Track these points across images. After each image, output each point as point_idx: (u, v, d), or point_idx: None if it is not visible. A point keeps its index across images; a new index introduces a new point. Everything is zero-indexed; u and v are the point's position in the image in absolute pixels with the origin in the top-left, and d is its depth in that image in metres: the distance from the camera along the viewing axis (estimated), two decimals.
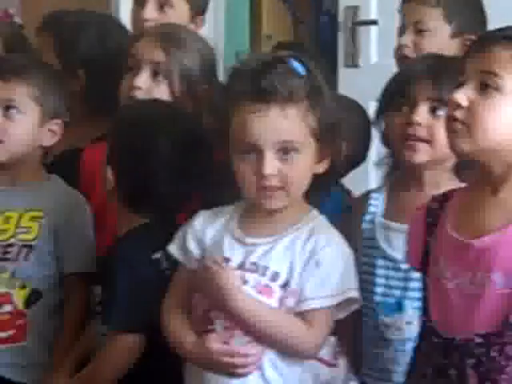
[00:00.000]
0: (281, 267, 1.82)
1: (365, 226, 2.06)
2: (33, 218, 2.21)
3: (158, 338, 1.93)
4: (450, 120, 1.61)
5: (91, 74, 2.49)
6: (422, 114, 1.91)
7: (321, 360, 1.88)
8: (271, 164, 1.77)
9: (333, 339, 1.90)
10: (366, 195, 2.12)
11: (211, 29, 3.41)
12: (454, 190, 1.72)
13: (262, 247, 1.84)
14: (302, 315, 1.82)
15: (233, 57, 2.88)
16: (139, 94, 2.23)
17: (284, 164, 1.78)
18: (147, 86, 2.25)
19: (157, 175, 2.02)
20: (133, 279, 1.99)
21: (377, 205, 2.07)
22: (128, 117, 2.08)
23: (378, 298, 2.02)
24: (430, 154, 1.95)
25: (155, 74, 2.27)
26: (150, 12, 2.61)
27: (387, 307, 2.02)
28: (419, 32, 2.43)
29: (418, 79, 1.94)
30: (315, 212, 1.88)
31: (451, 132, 1.61)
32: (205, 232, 1.91)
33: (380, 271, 2.02)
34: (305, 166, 1.82)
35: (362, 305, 1.96)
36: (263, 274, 1.83)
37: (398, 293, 1.97)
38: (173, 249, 1.93)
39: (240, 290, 1.74)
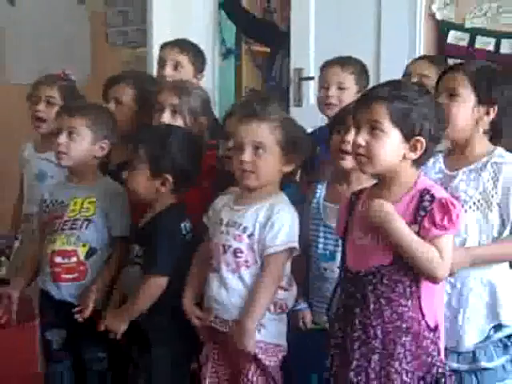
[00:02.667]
0: (248, 224, 2.25)
1: (313, 205, 2.46)
2: (90, 202, 2.64)
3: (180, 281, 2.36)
4: (356, 154, 1.98)
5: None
6: (351, 135, 2.17)
7: (279, 286, 2.27)
8: (248, 155, 2.22)
9: (289, 273, 2.29)
10: (315, 186, 2.50)
11: (209, 81, 3.84)
12: (365, 188, 2.10)
13: (240, 211, 2.27)
14: (266, 258, 2.22)
15: (223, 100, 3.48)
16: None
17: (256, 156, 2.21)
18: (169, 121, 2.72)
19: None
20: (170, 241, 2.40)
21: (321, 191, 2.47)
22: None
23: (320, 251, 2.41)
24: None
25: (174, 112, 2.74)
26: (168, 71, 3.17)
27: (325, 257, 2.41)
28: (340, 89, 2.88)
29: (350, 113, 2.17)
30: (282, 194, 2.30)
31: (358, 162, 2.00)
32: (218, 204, 2.35)
33: (321, 234, 2.41)
34: (271, 161, 2.22)
35: (310, 254, 2.41)
36: (237, 228, 2.25)
37: (332, 248, 2.36)
38: (205, 218, 2.37)
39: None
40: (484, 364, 2.16)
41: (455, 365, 2.15)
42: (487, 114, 2.21)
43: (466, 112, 2.20)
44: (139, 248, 2.46)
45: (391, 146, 1.94)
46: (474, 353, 2.17)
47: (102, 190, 2.66)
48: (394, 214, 1.91)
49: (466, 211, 2.15)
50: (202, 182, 2.60)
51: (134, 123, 2.90)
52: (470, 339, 2.17)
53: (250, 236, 2.22)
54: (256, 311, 2.18)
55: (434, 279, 1.94)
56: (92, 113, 2.68)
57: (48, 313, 2.70)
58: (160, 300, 2.38)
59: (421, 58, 3.04)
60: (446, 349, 2.06)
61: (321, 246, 2.42)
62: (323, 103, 2.91)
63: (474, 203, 2.18)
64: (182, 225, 2.44)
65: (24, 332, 2.83)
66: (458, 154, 2.27)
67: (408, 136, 1.93)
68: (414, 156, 1.95)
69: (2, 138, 4.96)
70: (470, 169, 2.22)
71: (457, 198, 2.10)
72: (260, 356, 2.22)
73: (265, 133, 2.23)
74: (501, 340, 2.18)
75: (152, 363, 2.40)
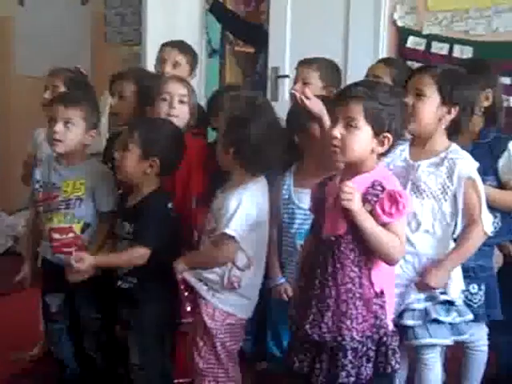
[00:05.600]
0: (214, 208, 2.40)
1: (283, 191, 2.58)
2: (80, 183, 2.69)
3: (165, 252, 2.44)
4: (332, 145, 2.04)
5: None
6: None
7: (235, 265, 2.37)
8: None
9: (250, 255, 2.35)
10: (282, 176, 2.60)
11: (197, 77, 3.84)
12: (334, 175, 2.17)
13: (218, 197, 2.43)
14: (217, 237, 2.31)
15: (208, 95, 3.45)
16: (174, 114, 2.75)
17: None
18: (178, 108, 2.76)
19: None
20: (160, 218, 2.50)
21: (290, 179, 2.59)
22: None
23: (294, 230, 2.54)
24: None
25: (181, 102, 2.79)
26: (168, 69, 3.23)
27: (301, 235, 2.49)
28: (305, 84, 2.92)
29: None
30: (250, 183, 2.35)
31: (333, 152, 2.05)
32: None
33: (297, 216, 2.54)
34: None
35: (286, 232, 2.52)
36: (211, 211, 2.42)
37: (306, 227, 2.38)
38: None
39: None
40: (435, 316, 2.28)
41: (411, 321, 2.29)
42: (449, 113, 2.31)
43: (431, 110, 2.30)
44: (130, 225, 2.53)
45: (363, 141, 2.02)
46: (425, 310, 2.29)
47: (89, 171, 2.71)
48: (362, 208, 1.98)
49: (423, 199, 2.29)
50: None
51: (135, 115, 2.93)
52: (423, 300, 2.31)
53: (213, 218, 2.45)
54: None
55: (392, 262, 2.05)
56: (86, 104, 2.71)
57: (48, 278, 2.79)
58: (149, 268, 2.48)
59: (378, 61, 3.13)
60: (404, 310, 2.26)
61: (296, 226, 2.54)
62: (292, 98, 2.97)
63: (432, 193, 2.30)
64: (169, 205, 2.56)
65: (32, 296, 2.94)
66: (421, 147, 2.36)
67: (378, 132, 2.02)
68: (381, 150, 2.05)
69: (14, 122, 5.13)
70: (430, 162, 2.32)
71: (417, 187, 2.28)
72: (205, 318, 2.37)
73: None
74: (444, 303, 2.32)
75: (141, 321, 2.50)
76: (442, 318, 2.30)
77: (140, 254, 2.47)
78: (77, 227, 2.70)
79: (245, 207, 2.31)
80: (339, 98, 2.06)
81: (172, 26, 4.13)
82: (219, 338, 2.40)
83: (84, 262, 2.46)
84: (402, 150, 2.38)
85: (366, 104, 1.99)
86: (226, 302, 2.39)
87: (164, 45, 3.36)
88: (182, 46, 3.32)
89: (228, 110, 2.41)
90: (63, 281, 2.63)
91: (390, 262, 2.05)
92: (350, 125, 2.00)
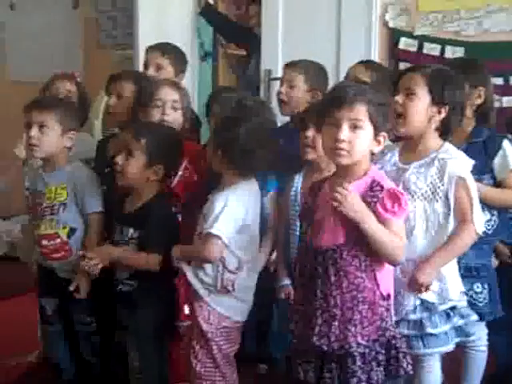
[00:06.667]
0: (204, 210, 2.39)
1: (291, 193, 2.55)
2: (62, 188, 2.69)
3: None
4: (338, 148, 2.02)
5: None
6: (310, 132, 2.29)
7: (226, 268, 2.38)
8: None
9: (240, 257, 2.37)
10: (293, 176, 2.57)
11: (189, 81, 3.96)
12: (326, 178, 2.19)
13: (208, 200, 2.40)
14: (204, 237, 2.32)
15: (201, 97, 3.59)
16: (168, 120, 2.75)
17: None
18: (171, 114, 2.77)
19: None
20: (166, 224, 2.49)
21: (298, 181, 2.55)
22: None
23: (298, 232, 2.37)
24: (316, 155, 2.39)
25: (173, 108, 2.78)
26: (151, 72, 3.22)
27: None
28: (290, 87, 2.98)
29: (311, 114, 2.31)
30: (239, 184, 2.37)
31: (337, 155, 2.03)
32: None
33: None
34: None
35: (293, 232, 2.48)
36: (202, 214, 2.40)
37: None
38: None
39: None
40: (429, 330, 2.27)
41: (406, 331, 2.25)
42: (439, 112, 2.30)
43: (421, 110, 2.29)
44: (134, 231, 2.52)
45: (367, 141, 2.04)
46: (421, 321, 2.27)
47: (71, 175, 2.71)
48: (363, 210, 1.98)
49: (414, 201, 2.26)
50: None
51: (131, 115, 2.93)
52: (418, 310, 2.28)
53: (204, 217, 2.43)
54: None
55: (395, 262, 2.05)
56: (60, 107, 2.71)
57: (43, 283, 2.83)
58: (150, 271, 2.48)
59: (358, 63, 3.06)
60: (400, 319, 2.21)
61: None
62: (278, 100, 3.07)
63: (422, 194, 2.28)
64: (174, 209, 2.60)
65: (31, 301, 2.97)
66: (412, 149, 2.35)
67: (377, 132, 2.04)
68: (377, 149, 2.06)
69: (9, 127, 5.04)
70: (421, 163, 2.30)
71: (407, 189, 2.25)
72: (200, 322, 2.38)
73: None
74: (444, 311, 2.29)
75: (140, 324, 2.50)
76: (437, 331, 2.29)
77: (155, 261, 2.47)
78: (63, 232, 2.70)
79: (230, 208, 2.32)
80: (340, 101, 2.04)
81: (164, 30, 4.13)
82: (215, 342, 2.40)
83: (101, 251, 2.49)
84: (392, 156, 2.39)
85: (369, 105, 2.01)
86: (220, 302, 2.40)
87: (148, 48, 3.36)
88: (164, 49, 3.30)
89: (217, 111, 2.43)
90: (56, 286, 2.69)
91: (393, 262, 2.05)
92: (355, 126, 2.01)
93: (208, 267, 2.39)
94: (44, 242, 2.70)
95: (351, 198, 1.98)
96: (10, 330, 3.50)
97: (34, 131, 2.64)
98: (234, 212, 2.34)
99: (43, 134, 2.66)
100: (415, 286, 2.23)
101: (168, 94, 2.80)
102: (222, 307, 2.40)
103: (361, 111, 2.00)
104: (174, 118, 2.79)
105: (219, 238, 2.31)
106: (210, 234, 2.32)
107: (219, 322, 2.40)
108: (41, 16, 5.25)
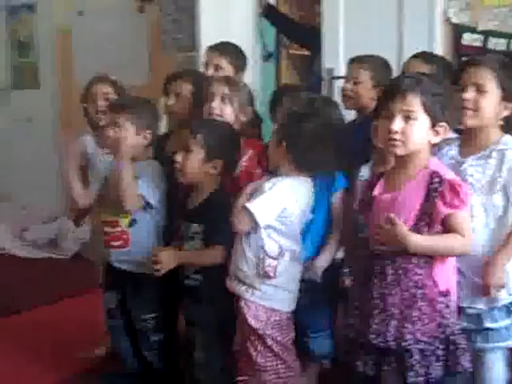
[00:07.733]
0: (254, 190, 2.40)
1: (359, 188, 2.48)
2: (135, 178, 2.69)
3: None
4: (391, 139, 2.05)
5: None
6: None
7: (267, 254, 2.39)
8: None
9: (281, 244, 2.37)
10: (359, 169, 2.55)
11: (252, 81, 3.90)
12: (383, 172, 2.22)
13: None
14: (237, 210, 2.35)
15: (265, 97, 3.54)
16: (215, 112, 2.77)
17: None
18: (219, 108, 2.78)
19: None
20: (227, 214, 2.46)
21: (365, 174, 2.54)
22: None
23: None
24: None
25: (223, 101, 2.79)
26: (210, 72, 3.25)
27: None
28: (355, 83, 2.96)
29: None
30: (292, 177, 2.38)
31: (392, 146, 2.06)
32: None
33: None
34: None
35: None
36: None
37: None
38: None
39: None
40: (488, 325, 2.25)
41: (465, 324, 2.22)
42: (505, 108, 2.29)
43: (493, 105, 2.26)
44: (198, 225, 2.56)
45: (422, 132, 2.05)
46: (479, 315, 2.26)
47: (143, 169, 2.75)
48: (412, 240, 1.98)
49: (472, 194, 2.20)
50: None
51: (190, 114, 2.96)
52: (479, 303, 2.27)
53: None
54: None
55: (456, 256, 2.08)
56: (133, 107, 2.76)
57: (107, 277, 2.91)
58: (215, 266, 2.52)
59: (414, 56, 2.97)
60: (458, 308, 2.17)
61: None
62: (342, 95, 3.05)
63: (480, 187, 2.26)
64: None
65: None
66: (471, 142, 2.32)
67: (434, 123, 2.04)
68: (436, 140, 2.07)
69: None
70: (479, 156, 2.28)
71: (465, 182, 2.19)
72: (249, 320, 2.38)
73: None
74: (505, 305, 2.27)
75: (204, 317, 2.55)
76: (496, 325, 2.26)
77: (221, 254, 2.50)
78: (123, 222, 2.74)
79: (274, 192, 2.33)
80: (393, 93, 2.06)
81: (226, 31, 4.13)
82: (268, 335, 2.41)
83: (165, 256, 2.51)
84: (449, 150, 2.36)
85: (423, 95, 2.01)
86: (265, 296, 2.40)
87: (207, 48, 3.39)
88: (223, 49, 3.31)
89: (287, 106, 2.44)
90: (118, 281, 2.78)
91: (454, 256, 2.07)
92: (408, 117, 2.02)
93: (245, 265, 2.40)
94: (106, 229, 2.76)
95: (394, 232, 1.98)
96: (82, 325, 3.58)
97: (111, 132, 2.70)
98: (277, 198, 2.35)
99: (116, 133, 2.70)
100: (487, 291, 2.20)
101: (218, 88, 2.81)
102: (266, 300, 2.41)
103: (414, 102, 2.01)
104: (224, 111, 2.80)
105: (252, 214, 2.32)
106: (246, 207, 2.33)
107: (268, 318, 2.41)
108: (107, 21, 5.35)
